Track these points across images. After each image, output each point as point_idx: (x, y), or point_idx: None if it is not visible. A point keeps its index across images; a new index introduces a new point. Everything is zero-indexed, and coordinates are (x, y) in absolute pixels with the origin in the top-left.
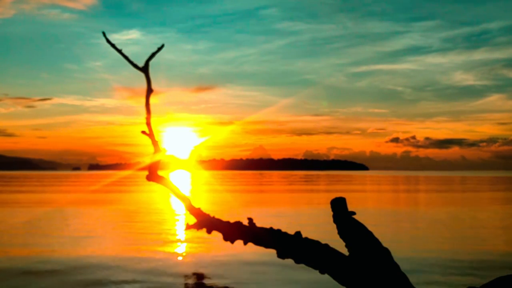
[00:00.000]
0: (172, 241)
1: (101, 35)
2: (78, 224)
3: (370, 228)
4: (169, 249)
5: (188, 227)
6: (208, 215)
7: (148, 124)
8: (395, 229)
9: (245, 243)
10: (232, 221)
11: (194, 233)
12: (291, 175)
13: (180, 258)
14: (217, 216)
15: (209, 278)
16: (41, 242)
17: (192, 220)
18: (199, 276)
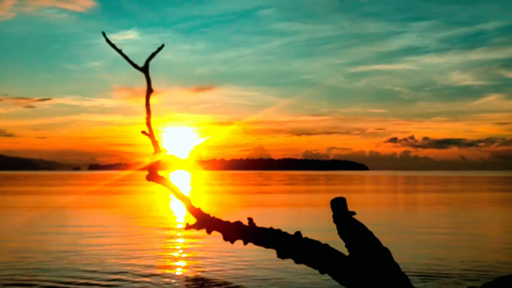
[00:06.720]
0: (172, 241)
1: (100, 35)
2: (78, 223)
3: (369, 228)
4: (168, 249)
5: (188, 227)
6: (208, 215)
7: (148, 124)
8: (394, 229)
9: (245, 243)
10: (232, 221)
11: (194, 233)
12: (291, 175)
13: (179, 258)
14: (217, 216)
15: (209, 278)
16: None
17: (192, 220)
18: (199, 276)
